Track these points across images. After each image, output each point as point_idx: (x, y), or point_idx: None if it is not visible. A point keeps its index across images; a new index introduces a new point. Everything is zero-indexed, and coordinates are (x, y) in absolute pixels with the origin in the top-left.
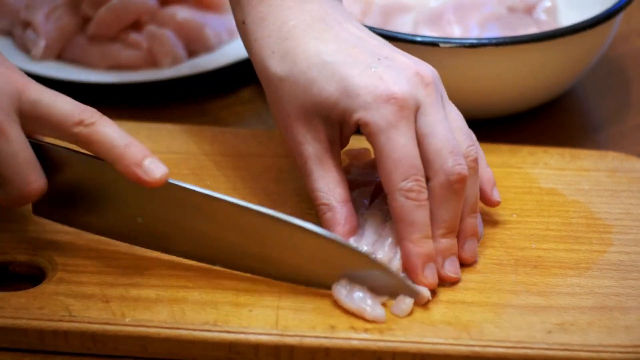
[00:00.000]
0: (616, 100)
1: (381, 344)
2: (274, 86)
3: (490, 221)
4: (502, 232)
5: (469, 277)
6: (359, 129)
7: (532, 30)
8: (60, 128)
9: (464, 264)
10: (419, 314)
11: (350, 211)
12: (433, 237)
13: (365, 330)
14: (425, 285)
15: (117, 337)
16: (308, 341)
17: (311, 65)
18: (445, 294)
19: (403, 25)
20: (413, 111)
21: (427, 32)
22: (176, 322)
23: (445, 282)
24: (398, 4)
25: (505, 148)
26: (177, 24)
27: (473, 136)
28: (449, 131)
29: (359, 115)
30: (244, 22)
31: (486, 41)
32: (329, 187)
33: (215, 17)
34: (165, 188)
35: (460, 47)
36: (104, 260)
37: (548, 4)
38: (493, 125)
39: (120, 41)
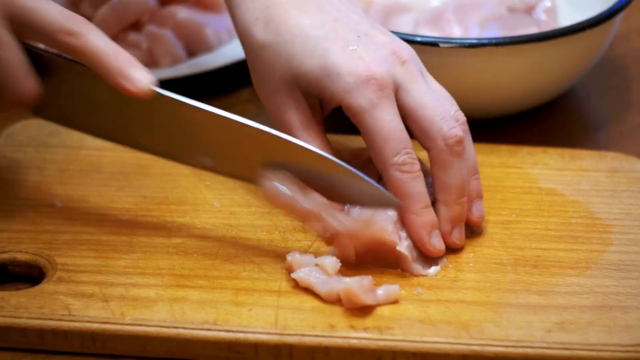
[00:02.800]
0: (616, 100)
1: (380, 343)
2: (256, 53)
3: (490, 221)
4: (502, 232)
5: (468, 277)
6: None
7: (532, 30)
8: (47, 35)
9: (473, 225)
10: (419, 313)
11: None
12: (445, 203)
13: (365, 329)
14: (433, 253)
15: (117, 337)
16: (307, 340)
17: (293, 36)
18: (445, 293)
19: (403, 25)
20: (392, 89)
21: (427, 32)
22: (176, 321)
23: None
24: (398, 4)
25: (504, 148)
26: (177, 24)
27: (455, 102)
28: (436, 99)
29: (341, 97)
30: None
31: (486, 41)
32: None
33: (215, 17)
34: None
35: (460, 47)
36: (103, 259)
37: (548, 4)
38: (493, 125)
39: (120, 41)
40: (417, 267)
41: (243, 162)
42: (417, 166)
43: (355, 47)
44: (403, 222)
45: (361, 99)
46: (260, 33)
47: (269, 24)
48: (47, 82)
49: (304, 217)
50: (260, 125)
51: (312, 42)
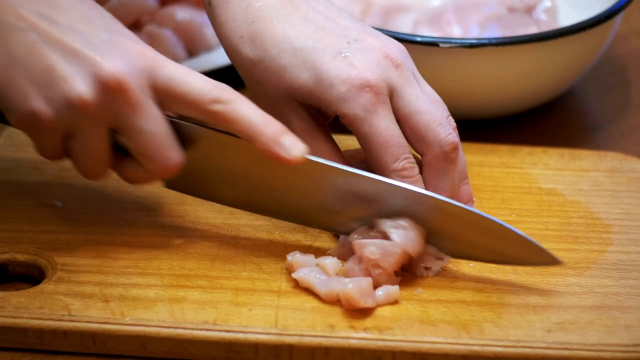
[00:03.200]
0: (616, 100)
1: (380, 343)
2: (248, 70)
3: None
4: None
5: (468, 277)
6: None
7: (532, 30)
8: (195, 105)
9: None
10: (419, 313)
11: None
12: None
13: (365, 330)
14: None
15: (117, 337)
16: (307, 340)
17: (281, 50)
18: (444, 294)
19: (403, 25)
20: (387, 94)
21: (427, 32)
22: (176, 321)
23: None
24: (398, 4)
25: (504, 148)
26: (177, 24)
27: (446, 107)
28: (431, 104)
29: (337, 107)
30: (209, 4)
31: (486, 41)
32: (325, 157)
33: None
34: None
35: (460, 47)
36: (103, 259)
37: (548, 4)
38: (493, 125)
39: None
40: (421, 270)
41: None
42: (416, 170)
43: (346, 54)
44: None
45: (356, 108)
46: (248, 50)
47: (255, 41)
48: (186, 153)
49: None
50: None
51: (301, 54)
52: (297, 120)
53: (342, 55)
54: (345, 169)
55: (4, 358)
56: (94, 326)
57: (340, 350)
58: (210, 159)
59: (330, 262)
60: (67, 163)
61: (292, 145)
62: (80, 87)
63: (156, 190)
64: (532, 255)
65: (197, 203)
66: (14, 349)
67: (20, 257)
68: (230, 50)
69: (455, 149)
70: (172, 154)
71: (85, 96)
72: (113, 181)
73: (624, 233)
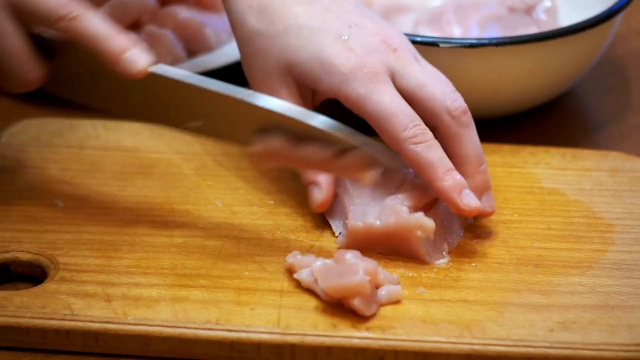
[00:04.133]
0: (616, 100)
1: (383, 343)
2: (250, 39)
3: (492, 220)
4: (504, 232)
5: (471, 276)
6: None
7: (532, 30)
8: (48, 21)
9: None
10: (421, 312)
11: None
12: (466, 174)
13: (367, 329)
14: (470, 212)
15: (119, 336)
16: (310, 340)
17: (287, 26)
18: (447, 293)
19: (403, 25)
20: (387, 75)
21: (427, 32)
22: (178, 320)
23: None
24: (398, 4)
25: (506, 148)
26: (177, 24)
27: (450, 83)
28: (432, 78)
29: (337, 89)
30: None
31: (486, 41)
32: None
33: (215, 17)
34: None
35: (460, 47)
36: (105, 259)
37: (548, 4)
38: (493, 125)
39: None
40: (430, 256)
41: (235, 128)
42: (430, 135)
43: (347, 37)
44: (434, 192)
45: (358, 87)
46: (253, 20)
47: (263, 12)
48: (54, 62)
49: (301, 165)
50: (250, 95)
51: (305, 32)
52: (288, 96)
53: (344, 38)
54: (192, 82)
55: (5, 358)
56: (97, 326)
57: (343, 350)
58: (76, 65)
59: (321, 264)
60: (68, 163)
61: (136, 59)
62: None
63: (158, 189)
64: None
65: (199, 203)
66: (17, 348)
67: (23, 257)
68: (235, 20)
69: (465, 111)
70: (30, 68)
71: None
72: (115, 180)
73: (626, 232)
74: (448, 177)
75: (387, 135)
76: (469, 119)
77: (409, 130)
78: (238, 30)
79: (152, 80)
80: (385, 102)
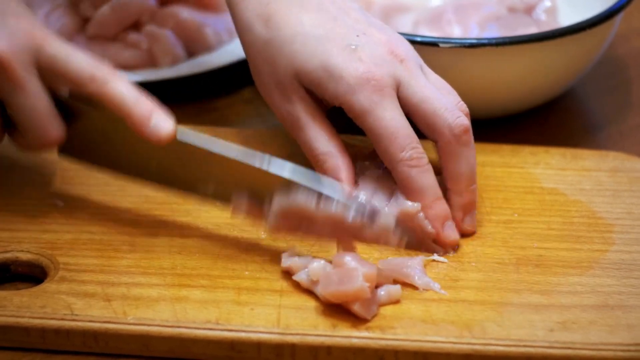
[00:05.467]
0: (616, 100)
1: (383, 343)
2: (258, 49)
3: (492, 220)
4: (504, 232)
5: (470, 276)
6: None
7: (532, 30)
8: (75, 83)
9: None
10: (421, 312)
11: (349, 159)
12: (455, 192)
13: (367, 329)
14: (447, 243)
15: (119, 336)
16: (310, 339)
17: (294, 34)
18: (447, 293)
19: (403, 26)
20: (393, 88)
21: (427, 32)
22: (178, 320)
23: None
24: (398, 4)
25: (506, 148)
26: (177, 24)
27: (456, 94)
28: (437, 92)
29: (343, 99)
30: None
31: (486, 41)
32: (326, 137)
33: (215, 17)
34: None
35: (460, 47)
36: (105, 259)
37: (548, 4)
38: (493, 125)
39: (119, 41)
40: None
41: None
42: (425, 160)
43: (355, 47)
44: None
45: (363, 100)
46: (261, 29)
47: (270, 21)
48: (74, 125)
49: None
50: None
51: (313, 41)
52: (299, 102)
53: (352, 47)
54: (214, 152)
55: (5, 357)
56: (97, 325)
57: (343, 350)
58: (96, 131)
59: (318, 266)
60: (67, 163)
61: (161, 125)
62: None
63: (157, 190)
64: None
65: (200, 203)
66: (16, 348)
67: (23, 257)
68: (242, 28)
69: (466, 131)
70: (51, 129)
71: None
72: (115, 180)
73: (626, 232)
74: (435, 206)
75: (383, 152)
76: (469, 138)
77: (407, 152)
78: (245, 40)
79: (173, 145)
80: (387, 119)
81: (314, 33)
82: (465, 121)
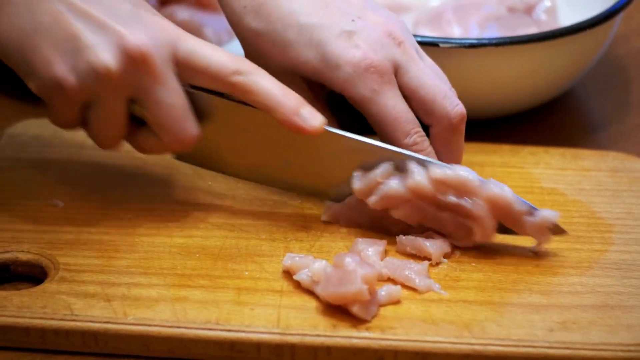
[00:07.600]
0: (616, 100)
1: (383, 343)
2: (250, 40)
3: None
4: None
5: (470, 276)
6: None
7: (532, 30)
8: (216, 77)
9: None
10: (421, 312)
11: None
12: None
13: (367, 329)
14: None
15: (119, 336)
16: (310, 340)
17: (286, 25)
18: (447, 293)
19: None
20: (392, 72)
21: (427, 32)
22: (178, 320)
23: None
24: (398, 4)
25: (506, 148)
26: (177, 24)
27: (447, 79)
28: (435, 78)
29: (343, 88)
30: None
31: (486, 41)
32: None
33: (215, 17)
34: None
35: (460, 47)
36: (105, 259)
37: (548, 4)
38: (493, 125)
39: None
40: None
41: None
42: (427, 142)
43: (351, 32)
44: None
45: (363, 89)
46: (251, 21)
47: (259, 12)
48: (202, 124)
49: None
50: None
51: (307, 31)
52: (297, 92)
53: (347, 34)
54: (364, 141)
55: (5, 357)
56: (97, 326)
57: (343, 350)
58: (224, 130)
59: (319, 266)
60: (68, 163)
61: (311, 117)
62: (106, 56)
63: (158, 190)
64: None
65: (199, 203)
66: (16, 348)
67: (23, 257)
68: (233, 20)
69: (462, 120)
70: (189, 126)
71: (110, 66)
72: (115, 180)
73: (626, 232)
74: None
75: (388, 139)
76: (463, 127)
77: (410, 137)
78: (238, 33)
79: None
80: (389, 106)
81: (308, 22)
82: (462, 109)
